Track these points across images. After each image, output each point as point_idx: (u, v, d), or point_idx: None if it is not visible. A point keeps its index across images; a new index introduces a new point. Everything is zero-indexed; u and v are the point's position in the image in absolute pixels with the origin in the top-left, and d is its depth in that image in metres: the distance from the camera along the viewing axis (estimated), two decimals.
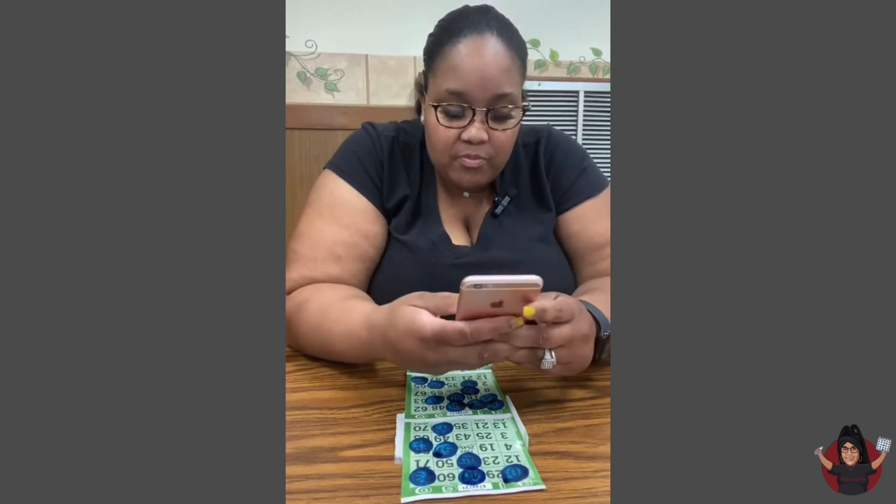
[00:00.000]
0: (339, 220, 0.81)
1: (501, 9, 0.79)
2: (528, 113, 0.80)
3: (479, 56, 0.73)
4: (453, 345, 0.52)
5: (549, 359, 0.54)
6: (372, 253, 0.83)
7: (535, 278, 0.50)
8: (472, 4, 0.80)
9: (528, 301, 0.51)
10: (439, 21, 0.80)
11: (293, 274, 0.79)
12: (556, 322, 0.53)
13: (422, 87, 0.83)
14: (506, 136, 0.78)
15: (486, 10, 0.78)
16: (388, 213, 0.86)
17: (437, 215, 0.87)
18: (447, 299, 0.54)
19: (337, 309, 0.69)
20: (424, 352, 0.53)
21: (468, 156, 0.78)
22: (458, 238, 0.87)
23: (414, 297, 0.56)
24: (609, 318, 0.63)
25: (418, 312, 0.53)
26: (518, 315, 0.52)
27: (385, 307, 0.60)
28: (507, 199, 0.88)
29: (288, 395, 0.62)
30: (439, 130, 0.77)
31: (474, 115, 0.75)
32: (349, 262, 0.80)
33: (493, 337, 0.52)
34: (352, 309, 0.67)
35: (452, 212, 0.89)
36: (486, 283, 0.48)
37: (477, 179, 0.81)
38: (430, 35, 0.80)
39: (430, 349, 0.52)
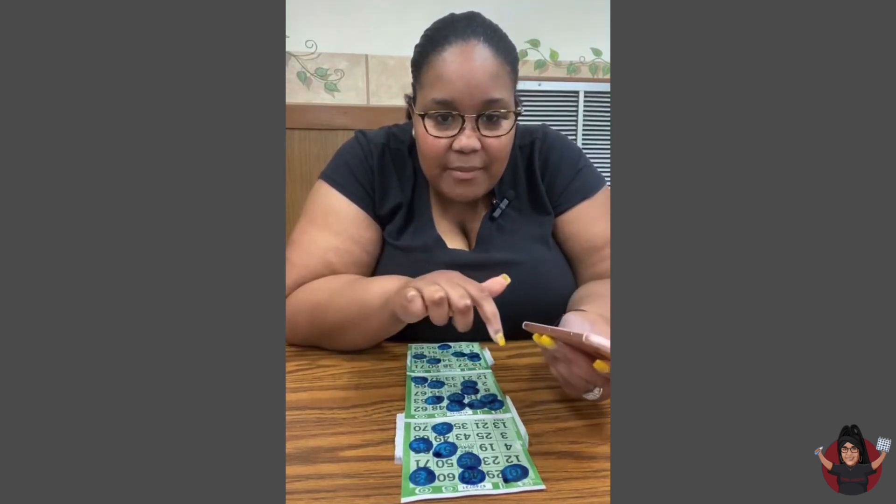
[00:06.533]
0: (330, 227, 0.81)
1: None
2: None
3: (464, 63, 0.71)
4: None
5: (595, 393, 0.56)
6: (365, 259, 0.83)
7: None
8: (459, 11, 0.78)
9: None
10: (425, 31, 0.78)
11: (287, 281, 0.79)
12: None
13: (410, 99, 0.82)
14: (500, 143, 0.76)
15: (472, 18, 0.76)
16: (382, 219, 0.85)
17: (430, 219, 0.86)
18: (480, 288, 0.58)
19: (356, 286, 0.74)
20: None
21: (461, 168, 0.76)
22: (454, 241, 0.86)
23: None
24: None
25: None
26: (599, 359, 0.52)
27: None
28: (505, 201, 0.87)
29: (288, 395, 0.62)
30: (428, 140, 0.75)
31: (464, 122, 0.74)
32: (341, 268, 0.80)
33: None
34: (373, 280, 0.74)
35: (447, 216, 0.88)
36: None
37: (472, 191, 0.80)
38: (417, 46, 0.78)
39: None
